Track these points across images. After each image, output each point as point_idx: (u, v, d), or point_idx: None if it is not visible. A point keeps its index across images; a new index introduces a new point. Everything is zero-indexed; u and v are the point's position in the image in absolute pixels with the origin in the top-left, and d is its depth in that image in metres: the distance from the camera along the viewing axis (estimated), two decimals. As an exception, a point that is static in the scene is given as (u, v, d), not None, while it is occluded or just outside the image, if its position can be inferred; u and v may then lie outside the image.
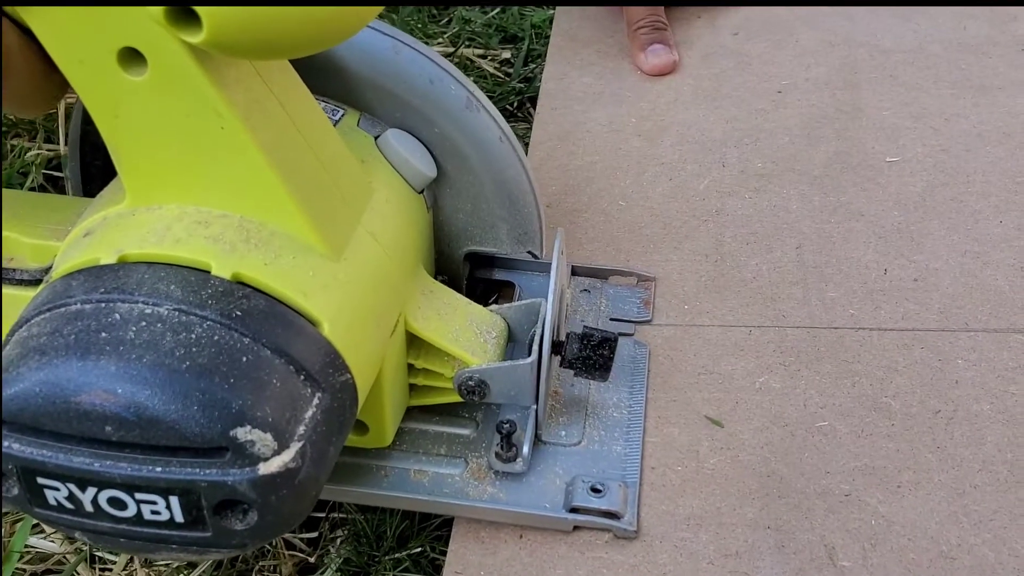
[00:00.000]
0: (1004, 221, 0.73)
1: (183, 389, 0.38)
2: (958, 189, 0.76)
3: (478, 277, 0.66)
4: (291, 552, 0.57)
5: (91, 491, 0.40)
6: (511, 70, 1.00)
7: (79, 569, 0.57)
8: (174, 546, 0.42)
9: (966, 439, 0.58)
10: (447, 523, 0.55)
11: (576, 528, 0.53)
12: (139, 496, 0.40)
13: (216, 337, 0.40)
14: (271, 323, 0.41)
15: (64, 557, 0.58)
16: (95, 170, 0.57)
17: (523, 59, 1.00)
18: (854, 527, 0.53)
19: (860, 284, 0.68)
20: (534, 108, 0.89)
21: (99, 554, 0.58)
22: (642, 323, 0.65)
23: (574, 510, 0.52)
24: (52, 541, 0.58)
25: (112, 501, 0.40)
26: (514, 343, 0.57)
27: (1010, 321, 0.65)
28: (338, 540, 0.57)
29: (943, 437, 0.58)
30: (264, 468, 0.39)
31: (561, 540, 0.53)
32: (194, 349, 0.39)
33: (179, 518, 0.40)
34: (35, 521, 0.58)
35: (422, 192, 0.55)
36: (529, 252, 0.59)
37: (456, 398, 0.54)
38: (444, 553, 0.54)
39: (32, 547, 0.58)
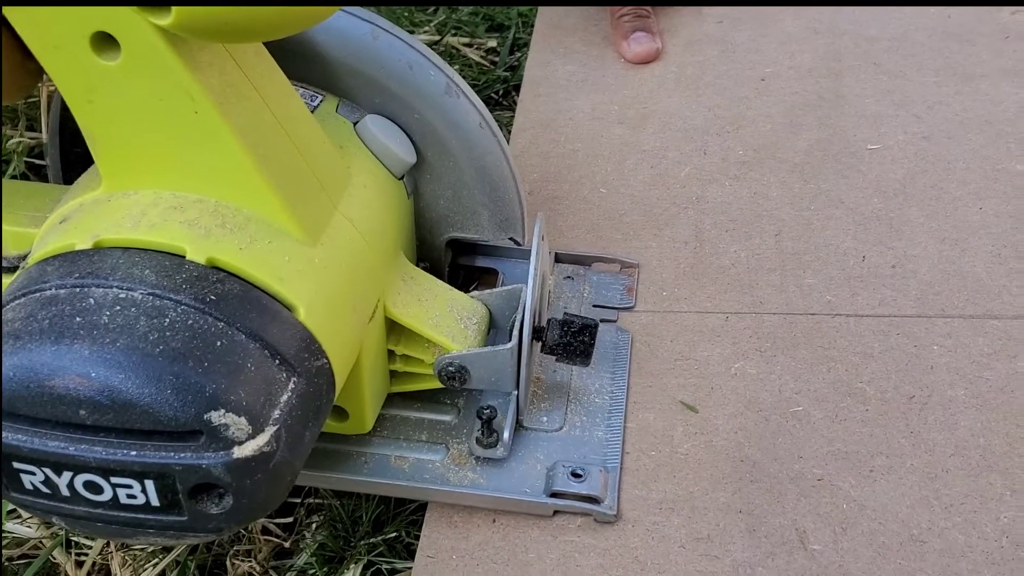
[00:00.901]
0: (983, 208, 0.74)
1: (157, 373, 0.38)
2: (938, 176, 0.77)
3: (460, 264, 0.66)
4: (266, 537, 0.57)
5: (67, 475, 0.40)
6: (497, 59, 1.00)
7: (55, 554, 0.57)
8: (151, 530, 0.42)
9: (939, 424, 0.58)
10: (423, 508, 0.56)
11: (556, 512, 0.53)
12: (114, 480, 0.40)
13: (190, 321, 0.40)
14: (246, 308, 0.41)
15: (40, 542, 0.58)
16: (75, 157, 0.57)
17: (509, 48, 1.00)
18: (826, 511, 0.53)
19: (838, 271, 0.68)
20: (518, 98, 0.89)
21: (75, 539, 0.58)
22: (625, 310, 0.65)
23: (554, 495, 0.53)
24: (28, 526, 0.58)
25: (88, 485, 0.40)
26: (496, 330, 0.57)
27: (986, 307, 0.65)
28: (313, 525, 0.57)
29: (917, 422, 0.58)
30: (238, 452, 0.39)
31: (534, 524, 0.53)
32: (168, 333, 0.39)
33: (155, 502, 0.40)
34: (11, 507, 0.58)
35: (402, 178, 0.55)
36: (511, 239, 0.59)
37: (437, 384, 0.54)
38: (419, 537, 0.54)
39: (8, 532, 0.58)
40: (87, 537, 0.57)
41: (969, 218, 0.73)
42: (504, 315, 0.57)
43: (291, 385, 0.42)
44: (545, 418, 0.57)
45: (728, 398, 0.60)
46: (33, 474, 0.40)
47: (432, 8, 1.07)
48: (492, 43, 1.01)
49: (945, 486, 0.55)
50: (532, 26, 1.00)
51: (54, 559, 0.57)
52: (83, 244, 0.42)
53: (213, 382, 0.39)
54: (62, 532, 0.57)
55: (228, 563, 0.56)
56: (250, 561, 0.56)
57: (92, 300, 0.40)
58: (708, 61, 0.92)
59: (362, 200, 0.50)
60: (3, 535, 0.58)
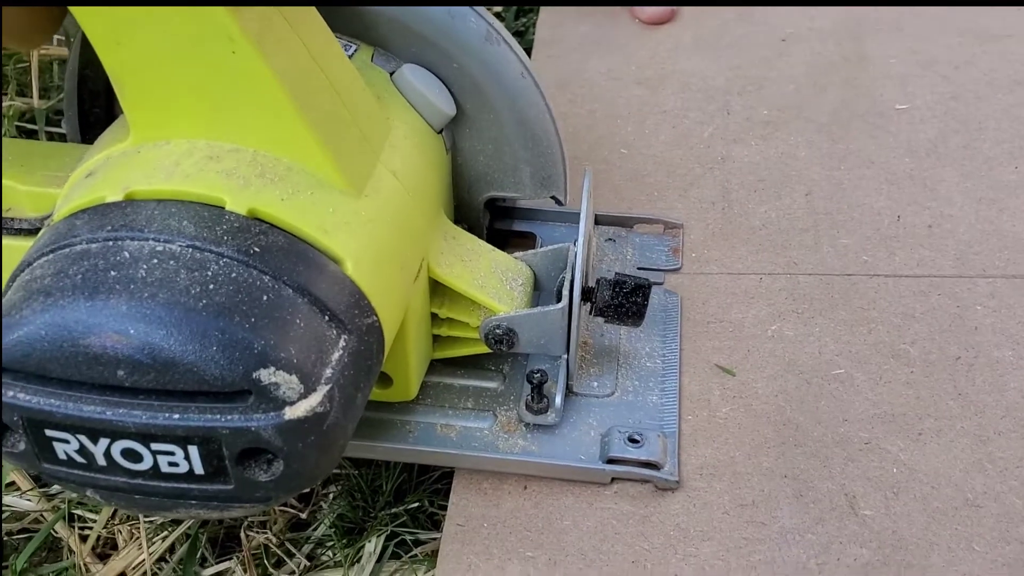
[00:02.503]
0: (1020, 167, 0.71)
1: (201, 328, 0.35)
2: (970, 136, 0.75)
3: (496, 229, 0.63)
4: (282, 508, 0.54)
5: (103, 442, 0.37)
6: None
7: (57, 528, 0.54)
8: (193, 501, 0.39)
9: (988, 386, 0.56)
10: (446, 476, 0.53)
11: (613, 480, 0.50)
12: (155, 447, 0.37)
13: (234, 274, 0.37)
14: (292, 260, 0.39)
15: (41, 515, 0.55)
16: (94, 118, 0.54)
17: (515, 13, 0.97)
18: (875, 475, 0.51)
19: (873, 230, 0.66)
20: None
21: (78, 512, 0.55)
22: (672, 271, 0.62)
23: (611, 461, 0.50)
24: (28, 499, 0.55)
25: (126, 453, 0.37)
26: (540, 292, 0.55)
27: None
28: (331, 496, 0.55)
29: (964, 384, 0.56)
30: (290, 412, 0.36)
31: (568, 491, 0.51)
32: (211, 287, 0.36)
33: (199, 469, 0.37)
34: (9, 479, 0.55)
35: (441, 132, 0.52)
36: (552, 197, 0.56)
37: (482, 349, 0.52)
38: (443, 507, 0.51)
39: (8, 506, 0.55)
40: (91, 510, 0.54)
41: (1005, 177, 0.70)
42: (550, 276, 0.54)
43: (342, 343, 0.39)
44: (596, 383, 0.54)
45: (766, 360, 0.57)
46: (67, 442, 0.37)
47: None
48: (497, 8, 0.99)
49: (999, 449, 0.52)
50: (537, -8, 0.98)
51: (56, 533, 0.54)
52: (113, 196, 0.40)
53: (262, 338, 0.36)
54: (64, 505, 0.54)
55: (242, 535, 0.53)
56: (265, 533, 0.53)
57: (127, 253, 0.37)
58: (726, 22, 0.90)
59: (404, 152, 0.47)
60: (2, 508, 0.55)
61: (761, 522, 0.49)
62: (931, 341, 0.58)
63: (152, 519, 0.54)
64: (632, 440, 0.50)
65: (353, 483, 0.55)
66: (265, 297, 0.37)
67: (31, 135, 0.82)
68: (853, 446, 0.53)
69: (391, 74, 0.50)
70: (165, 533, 0.53)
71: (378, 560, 0.51)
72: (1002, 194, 0.69)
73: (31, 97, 0.84)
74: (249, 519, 0.54)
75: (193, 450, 0.37)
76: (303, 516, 0.54)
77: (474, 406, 0.53)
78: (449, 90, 0.52)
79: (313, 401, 0.37)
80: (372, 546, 0.52)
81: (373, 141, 0.45)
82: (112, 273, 0.36)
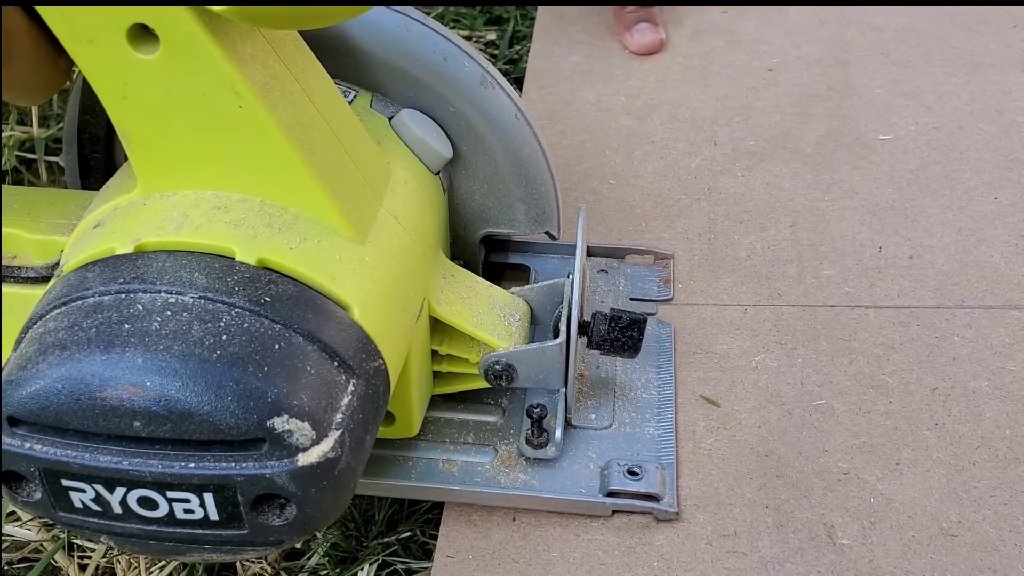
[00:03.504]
0: (999, 198, 0.73)
1: (216, 379, 0.36)
2: (951, 167, 0.76)
3: (492, 261, 0.64)
4: None
5: (120, 491, 0.38)
6: (496, 52, 0.98)
7: (57, 557, 0.54)
8: (207, 546, 0.40)
9: (964, 416, 0.57)
10: (437, 507, 0.54)
11: (614, 512, 0.51)
12: (171, 495, 0.38)
13: (246, 325, 0.38)
14: (301, 308, 0.40)
15: (41, 545, 0.55)
16: (94, 163, 0.55)
17: (508, 40, 0.99)
18: (853, 505, 0.52)
19: (855, 262, 0.68)
20: (521, 89, 0.88)
21: (77, 541, 0.55)
22: (663, 302, 0.63)
23: (611, 494, 0.51)
24: (28, 528, 0.56)
25: (142, 501, 0.38)
26: (537, 326, 0.56)
27: (1006, 297, 0.65)
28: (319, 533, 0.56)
29: (941, 414, 0.57)
30: (303, 459, 0.37)
31: (556, 523, 0.52)
32: (224, 337, 0.37)
33: (214, 516, 0.38)
34: (10, 508, 0.56)
35: (438, 174, 0.53)
36: (547, 233, 0.57)
37: (482, 384, 0.53)
38: (435, 537, 0.52)
39: (8, 535, 0.56)
40: (91, 540, 0.55)
41: (984, 208, 0.72)
42: (546, 311, 0.55)
43: (351, 387, 0.40)
44: (593, 415, 0.56)
45: (750, 392, 0.58)
46: (83, 491, 0.38)
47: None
48: (491, 36, 1.00)
49: (973, 478, 0.54)
50: (531, 19, 0.99)
51: (56, 563, 0.54)
52: (123, 248, 0.40)
53: (275, 387, 0.37)
54: (64, 535, 0.55)
55: (238, 564, 0.54)
56: (260, 563, 0.54)
57: (140, 306, 0.38)
58: (714, 51, 0.91)
59: (404, 197, 0.49)
60: (2, 538, 0.55)
61: (743, 552, 0.50)
62: (909, 372, 0.60)
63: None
64: (631, 472, 0.51)
65: (347, 512, 0.55)
66: (277, 346, 0.38)
67: (30, 164, 0.82)
68: (832, 476, 0.54)
69: (390, 119, 0.52)
70: (163, 562, 0.54)
71: None
72: (981, 224, 0.70)
73: (31, 126, 0.84)
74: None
75: (208, 497, 0.38)
76: (297, 546, 0.55)
77: (475, 440, 0.54)
78: (446, 133, 0.53)
79: (325, 447, 0.38)
80: (365, 574, 0.53)
81: (375, 187, 0.46)
82: (126, 326, 0.37)
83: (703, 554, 0.50)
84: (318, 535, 0.55)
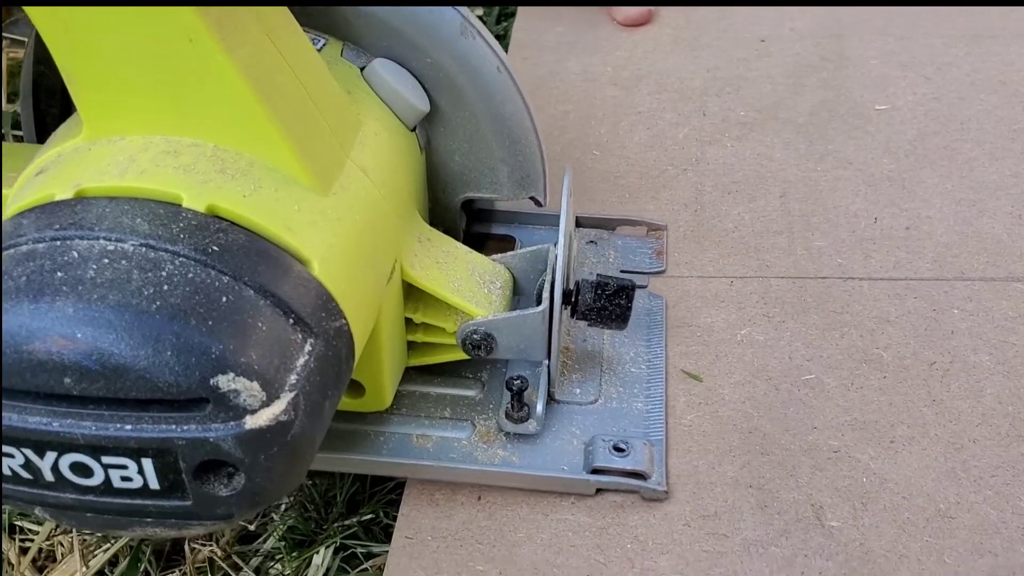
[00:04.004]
0: (1000, 169, 0.70)
1: (154, 332, 0.33)
2: (951, 137, 0.74)
3: (474, 232, 0.61)
4: None
5: (51, 456, 0.34)
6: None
7: None
8: (149, 519, 0.37)
9: (964, 391, 0.54)
10: (402, 486, 0.51)
11: (599, 491, 0.48)
12: (106, 460, 0.34)
13: (190, 275, 0.35)
14: (253, 260, 0.36)
15: None
16: (51, 118, 0.52)
17: (496, 18, 0.96)
18: (844, 485, 0.49)
19: (848, 233, 0.65)
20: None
21: (20, 523, 0.52)
22: (656, 274, 0.60)
23: (596, 471, 0.48)
24: None
25: (76, 467, 0.35)
26: (519, 296, 0.52)
27: (1009, 269, 0.61)
28: (282, 507, 0.52)
29: (939, 390, 0.54)
30: (251, 422, 0.34)
31: (523, 502, 0.48)
32: (166, 287, 0.34)
33: (154, 484, 0.35)
34: None
35: (414, 130, 0.50)
36: (532, 198, 0.54)
37: (459, 355, 0.49)
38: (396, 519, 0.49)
39: None
40: (35, 521, 0.51)
41: (986, 179, 0.69)
42: (529, 279, 0.52)
43: (307, 347, 0.37)
44: (578, 390, 0.52)
45: (734, 366, 0.55)
46: (12, 456, 0.35)
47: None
48: (478, 11, 0.97)
49: (973, 457, 0.50)
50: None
51: None
52: (63, 194, 0.37)
53: (220, 342, 0.33)
54: (4, 514, 0.52)
55: (187, 549, 0.51)
56: (211, 545, 0.50)
57: (75, 253, 0.35)
58: (705, 23, 0.89)
59: (374, 149, 0.45)
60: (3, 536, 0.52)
61: (723, 534, 0.47)
62: (905, 346, 0.57)
63: (93, 533, 0.51)
64: (617, 449, 0.48)
65: (306, 494, 0.52)
66: (224, 299, 0.35)
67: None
68: (822, 454, 0.51)
69: (361, 69, 0.48)
70: (108, 545, 0.50)
71: (326, 574, 0.49)
72: (982, 195, 0.68)
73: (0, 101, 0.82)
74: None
75: (147, 463, 0.34)
76: (251, 528, 0.52)
77: (451, 415, 0.51)
78: (422, 86, 0.50)
79: (276, 409, 0.34)
80: (320, 559, 0.49)
81: (342, 137, 0.43)
82: (59, 274, 0.34)
83: (680, 535, 0.47)
84: (274, 516, 0.51)
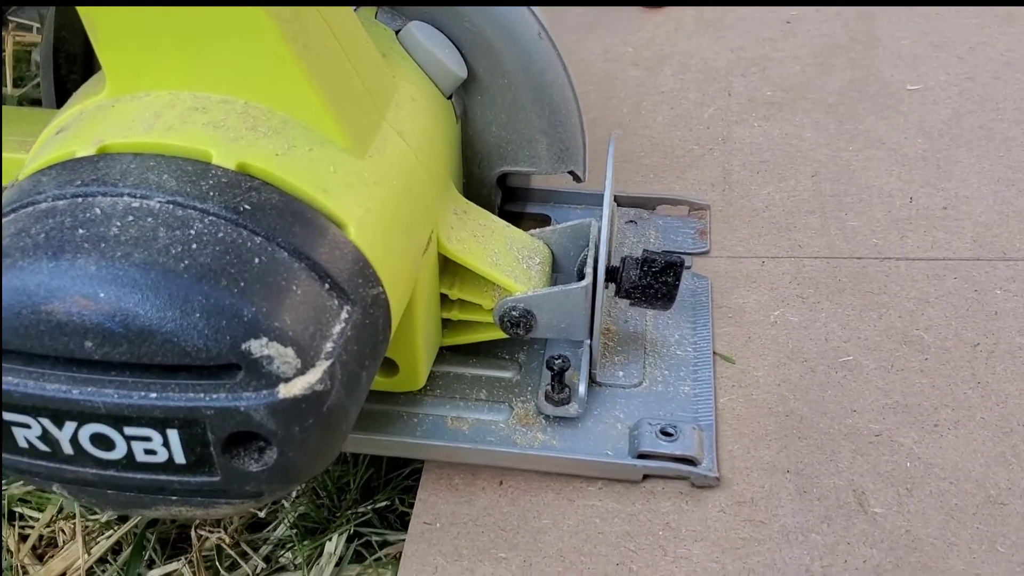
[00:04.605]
0: None
1: (182, 292, 0.30)
2: (987, 117, 0.71)
3: (509, 211, 0.58)
4: None
5: (70, 427, 0.32)
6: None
7: None
8: (174, 497, 0.34)
9: (1010, 373, 0.51)
10: (418, 472, 0.48)
11: (646, 477, 0.45)
12: (129, 431, 0.32)
13: (220, 234, 0.32)
14: (287, 221, 0.34)
15: None
16: (71, 84, 0.50)
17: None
18: (887, 470, 0.47)
19: (883, 212, 0.63)
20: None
21: (19, 510, 0.50)
22: (699, 255, 0.57)
23: (642, 456, 0.45)
24: None
25: (96, 439, 0.32)
26: (558, 274, 0.50)
27: None
28: (294, 493, 0.50)
29: (984, 372, 0.51)
30: (285, 391, 0.31)
31: (547, 487, 0.46)
32: (194, 246, 0.32)
33: (180, 458, 0.33)
34: None
35: (450, 98, 0.48)
36: (570, 172, 0.51)
37: (496, 334, 0.47)
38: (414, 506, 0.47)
39: None
40: (36, 506, 0.49)
41: None
42: (568, 256, 0.49)
43: (344, 315, 0.34)
44: (621, 373, 0.50)
45: (768, 348, 0.53)
46: (28, 427, 0.32)
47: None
48: None
49: (1023, 441, 0.48)
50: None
51: None
52: (85, 152, 0.35)
53: (252, 304, 0.31)
54: (4, 500, 0.49)
55: (193, 534, 0.48)
56: (219, 532, 0.48)
57: (98, 210, 0.32)
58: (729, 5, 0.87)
59: (411, 113, 0.43)
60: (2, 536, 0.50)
61: (760, 521, 0.44)
62: (947, 327, 0.54)
63: (97, 515, 0.48)
64: (665, 433, 0.45)
65: (318, 480, 0.50)
66: (257, 260, 0.32)
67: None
68: (862, 438, 0.48)
69: (396, 33, 0.46)
70: (111, 532, 0.48)
71: (339, 563, 0.47)
72: (1021, 175, 0.65)
73: (4, 85, 0.80)
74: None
75: (173, 435, 0.32)
76: (261, 515, 0.49)
77: (487, 397, 0.48)
78: (460, 52, 0.47)
79: (312, 378, 0.32)
80: (333, 546, 0.47)
81: (378, 98, 0.41)
82: (80, 231, 0.32)
83: (715, 522, 0.44)
84: (285, 503, 0.49)
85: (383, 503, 0.49)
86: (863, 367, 0.52)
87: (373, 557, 0.47)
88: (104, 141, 0.35)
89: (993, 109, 0.72)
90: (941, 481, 0.46)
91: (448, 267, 0.46)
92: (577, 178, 0.52)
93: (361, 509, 0.49)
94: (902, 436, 0.48)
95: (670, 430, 0.45)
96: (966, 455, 0.47)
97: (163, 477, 0.33)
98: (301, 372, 0.32)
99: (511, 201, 0.59)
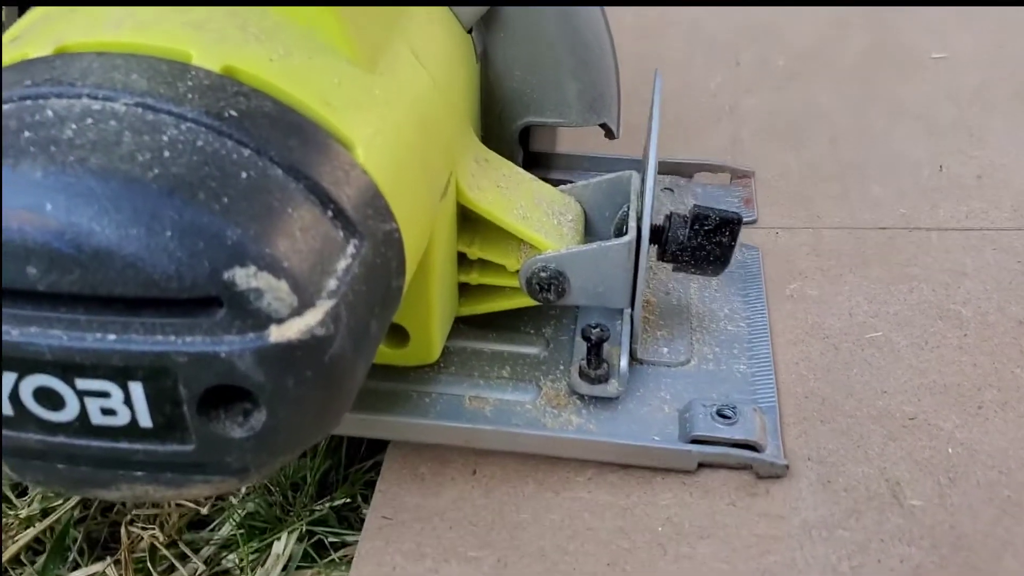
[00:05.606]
0: None
1: (149, 206, 0.24)
2: (1020, 84, 0.68)
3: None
4: (177, 502, 0.43)
5: (8, 378, 0.26)
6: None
7: None
8: (138, 473, 0.28)
9: None
10: (381, 465, 0.42)
11: (700, 466, 0.39)
12: (82, 384, 0.26)
13: (200, 143, 0.26)
14: (282, 133, 0.28)
15: None
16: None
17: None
18: (924, 457, 0.41)
19: (911, 181, 0.58)
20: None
21: None
22: (747, 224, 0.52)
23: (696, 441, 0.38)
24: None
25: (41, 395, 0.26)
26: (591, 236, 0.44)
27: None
28: (242, 489, 0.43)
29: None
30: (277, 334, 0.25)
31: (528, 476, 0.40)
32: (167, 154, 0.25)
33: (144, 420, 0.26)
34: None
35: (470, 32, 0.42)
36: (603, 125, 0.46)
37: (522, 301, 0.41)
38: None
39: None
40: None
41: None
42: (603, 216, 0.44)
43: (351, 249, 0.28)
44: (665, 349, 0.43)
45: (785, 324, 0.48)
46: (-44, 381, 0.26)
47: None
48: None
49: None
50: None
51: None
52: (40, 53, 0.29)
53: (237, 225, 0.25)
54: None
55: (123, 531, 0.42)
56: (152, 529, 0.42)
57: (50, 112, 0.26)
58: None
59: (428, 33, 0.37)
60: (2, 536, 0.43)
61: (778, 515, 0.38)
62: (988, 301, 0.49)
63: (13, 509, 0.42)
64: (722, 415, 0.39)
65: (271, 475, 0.43)
66: (244, 174, 0.26)
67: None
68: (895, 422, 0.43)
69: (410, -46, 0.40)
70: (31, 528, 0.42)
71: (286, 565, 0.40)
72: None
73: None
74: (134, 512, 0.43)
75: (136, 389, 0.26)
76: (203, 511, 0.43)
77: (511, 375, 0.42)
78: (481, -21, 0.42)
79: (311, 320, 0.26)
80: (281, 547, 0.41)
81: (387, 11, 0.35)
82: (26, 134, 0.25)
83: (724, 517, 0.38)
84: (232, 500, 0.42)
85: (342, 500, 0.42)
86: (894, 344, 0.47)
87: (327, 560, 0.40)
88: (63, 41, 0.29)
89: None
90: (989, 470, 0.40)
91: (467, 223, 0.40)
92: (610, 133, 0.46)
93: (316, 507, 0.43)
94: (941, 420, 0.43)
95: (728, 412, 0.39)
96: (1016, 441, 0.42)
97: (124, 445, 0.27)
98: (298, 312, 0.26)
99: (533, 167, 0.53)
